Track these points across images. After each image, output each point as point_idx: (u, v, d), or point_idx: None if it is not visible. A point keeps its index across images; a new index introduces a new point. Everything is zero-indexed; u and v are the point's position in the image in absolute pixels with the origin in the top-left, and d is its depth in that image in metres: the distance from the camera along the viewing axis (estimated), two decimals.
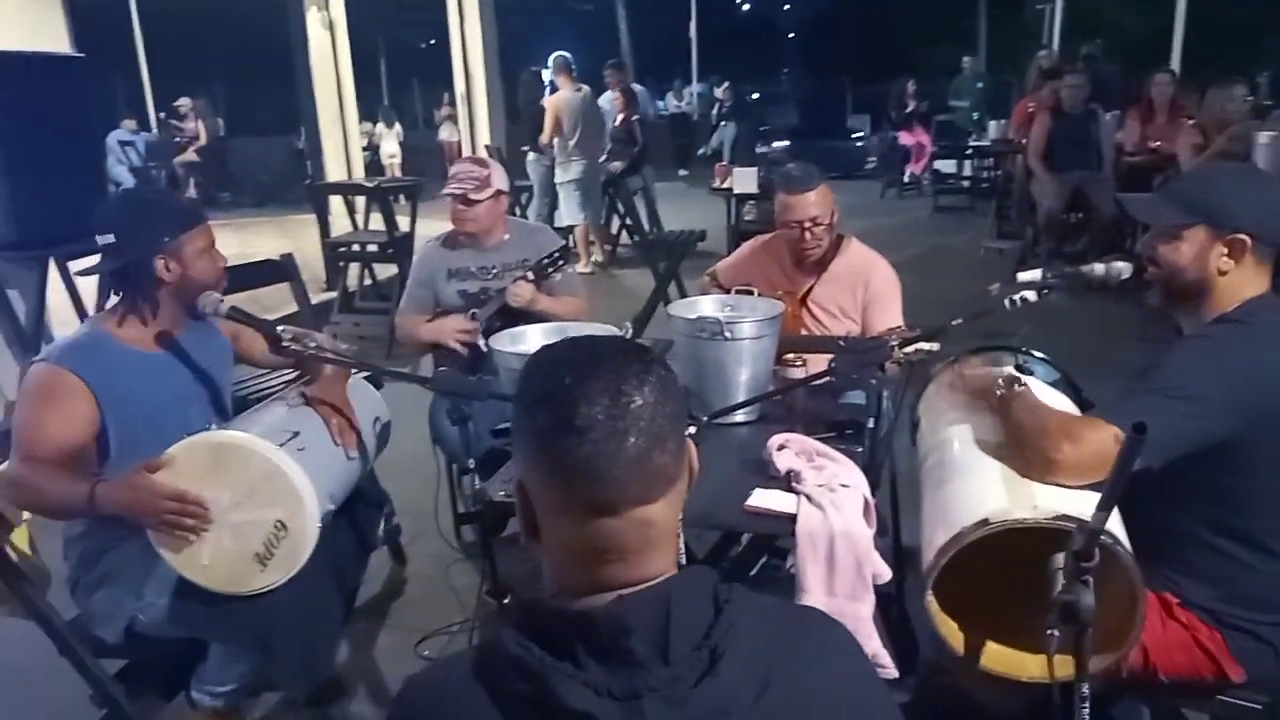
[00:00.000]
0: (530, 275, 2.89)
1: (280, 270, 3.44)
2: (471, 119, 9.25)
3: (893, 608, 1.99)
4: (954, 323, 1.87)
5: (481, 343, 2.91)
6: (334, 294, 5.99)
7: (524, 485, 0.90)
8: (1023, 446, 1.54)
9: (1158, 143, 6.38)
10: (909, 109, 11.65)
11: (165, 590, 1.85)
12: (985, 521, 1.41)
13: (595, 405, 0.83)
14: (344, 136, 8.88)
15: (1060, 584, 1.20)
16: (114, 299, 2.04)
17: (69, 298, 3.66)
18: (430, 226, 6.26)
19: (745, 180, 6.47)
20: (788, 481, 1.83)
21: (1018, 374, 1.74)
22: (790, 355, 2.31)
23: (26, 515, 2.06)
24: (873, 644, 1.72)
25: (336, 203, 6.84)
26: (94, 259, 2.06)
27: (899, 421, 2.15)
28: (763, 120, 15.14)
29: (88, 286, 2.16)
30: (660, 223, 8.37)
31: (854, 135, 14.56)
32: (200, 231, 1.99)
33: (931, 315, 2.09)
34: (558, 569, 0.90)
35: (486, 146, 8.66)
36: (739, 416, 2.20)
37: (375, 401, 2.33)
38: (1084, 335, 4.80)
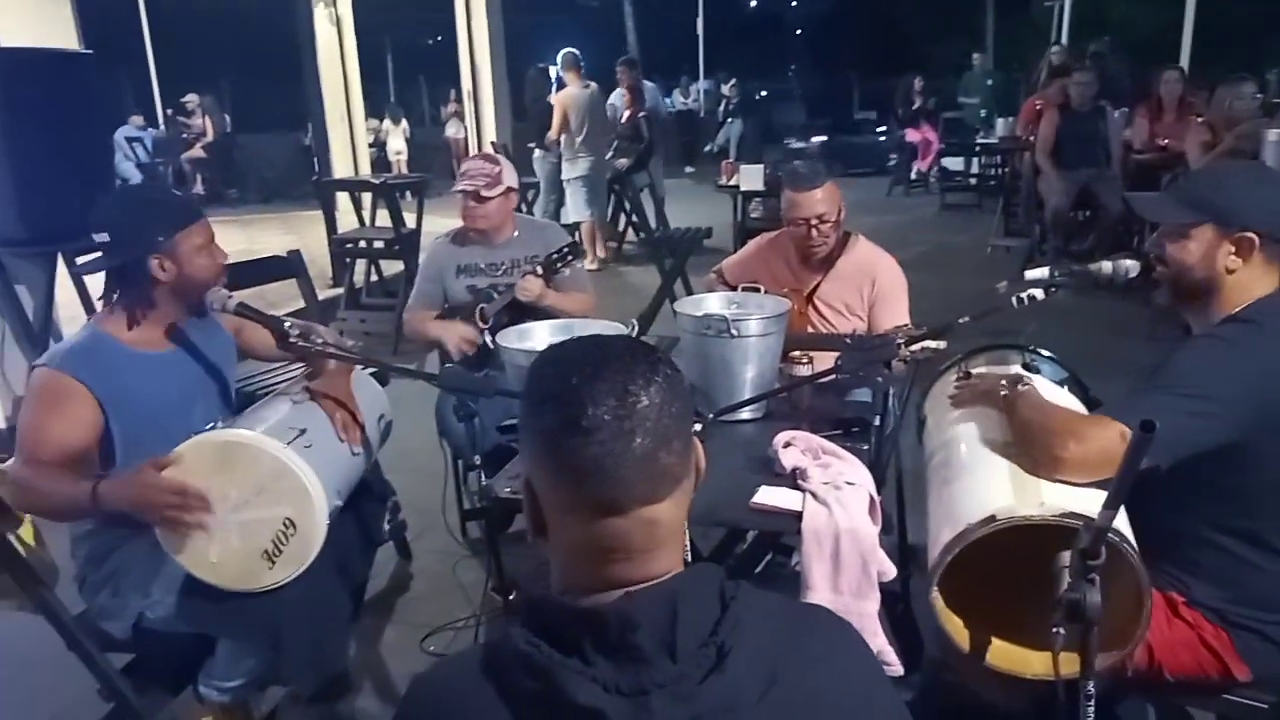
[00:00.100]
0: (539, 270, 2.90)
1: (287, 266, 3.45)
2: (478, 116, 9.25)
3: (898, 605, 1.99)
4: (960, 321, 1.87)
5: (489, 339, 2.92)
6: (340, 290, 6.01)
7: (531, 483, 0.90)
8: (1029, 444, 1.54)
9: (1166, 140, 6.35)
10: (916, 106, 11.62)
11: (173, 588, 1.85)
12: (992, 518, 1.41)
13: (602, 406, 0.83)
14: (351, 133, 8.89)
15: (1066, 582, 1.20)
16: (114, 297, 2.02)
17: (77, 294, 3.67)
18: (436, 223, 6.27)
19: (752, 177, 6.47)
20: (793, 479, 1.83)
21: (1024, 373, 1.74)
22: (796, 353, 2.31)
23: None
24: (878, 641, 1.72)
25: (343, 199, 6.85)
26: (95, 256, 2.05)
27: (905, 419, 2.15)
28: (770, 117, 15.12)
29: (95, 282, 2.14)
30: (666, 220, 8.37)
31: (878, 131, 14.50)
32: (197, 228, 1.97)
33: (938, 313, 2.08)
34: (565, 567, 0.90)
35: (493, 143, 8.67)
36: (745, 414, 2.20)
37: (379, 397, 2.33)
38: (1091, 334, 4.79)
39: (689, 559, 0.93)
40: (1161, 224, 1.71)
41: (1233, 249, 1.59)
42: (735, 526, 2.32)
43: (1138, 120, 6.69)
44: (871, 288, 2.69)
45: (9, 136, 3.43)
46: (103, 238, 1.94)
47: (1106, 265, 1.79)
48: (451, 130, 14.17)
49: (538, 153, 7.56)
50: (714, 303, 2.48)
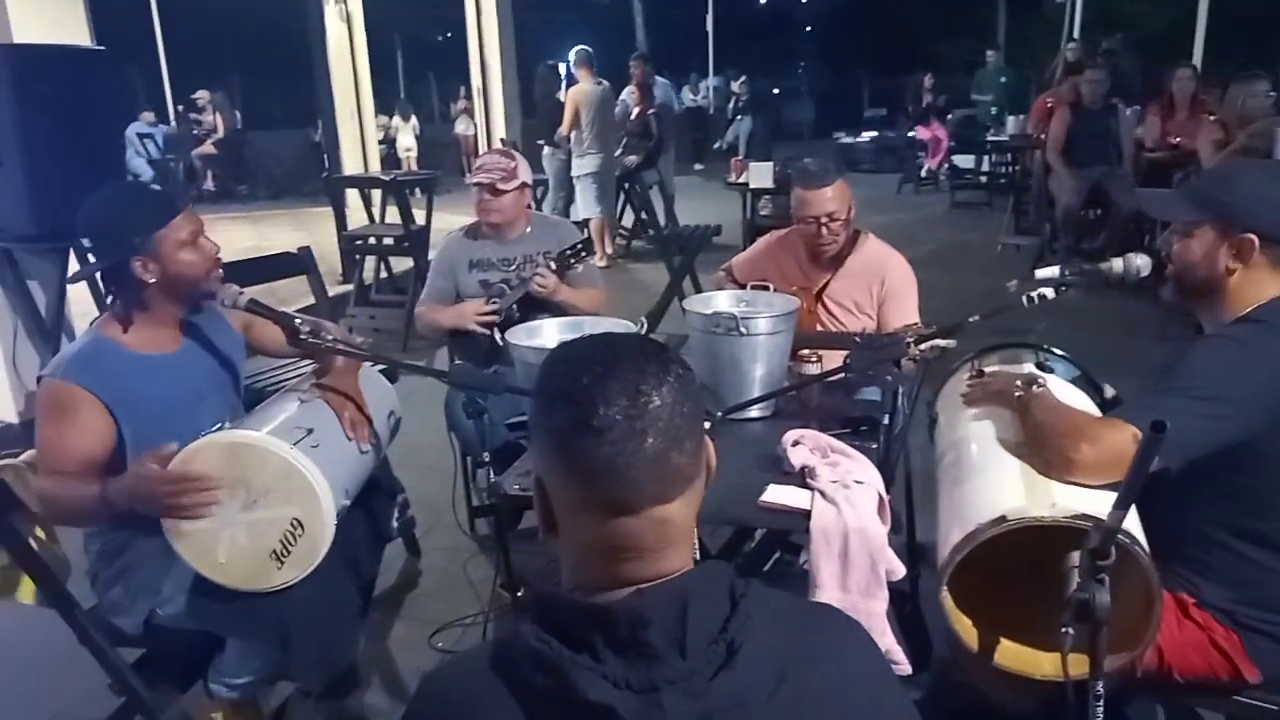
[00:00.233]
0: (553, 265, 2.91)
1: (297, 263, 3.46)
2: (488, 113, 9.26)
3: (907, 604, 1.99)
4: (971, 319, 1.86)
5: (498, 336, 2.93)
6: (350, 287, 6.02)
7: (542, 481, 0.90)
8: (1042, 446, 1.54)
9: (1178, 139, 6.32)
10: (926, 103, 11.58)
11: (183, 586, 1.86)
12: (1003, 519, 1.41)
13: (613, 406, 0.83)
14: (360, 130, 8.91)
15: (1076, 582, 1.20)
16: (112, 300, 2.01)
17: (89, 289, 3.70)
18: (446, 220, 6.28)
19: (761, 175, 6.46)
20: (802, 477, 1.83)
21: (1038, 373, 1.74)
22: (805, 351, 2.31)
23: None
24: (886, 640, 1.71)
25: (353, 196, 6.87)
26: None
27: (914, 418, 2.15)
28: (779, 115, 15.11)
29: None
30: (675, 217, 8.37)
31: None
32: (178, 224, 1.91)
33: (948, 311, 2.08)
34: (576, 564, 0.90)
35: (502, 140, 8.67)
36: (753, 412, 2.20)
37: (388, 394, 2.33)
38: (1102, 333, 4.77)
39: (697, 557, 0.93)
40: (1169, 222, 1.71)
41: (1233, 250, 1.59)
42: (743, 525, 2.31)
43: (1150, 118, 6.65)
44: (881, 286, 2.68)
45: (22, 133, 3.46)
46: (87, 242, 1.92)
47: (1118, 264, 1.78)
48: (461, 127, 14.18)
49: (546, 150, 7.56)
50: (723, 301, 2.48)
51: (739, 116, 14.69)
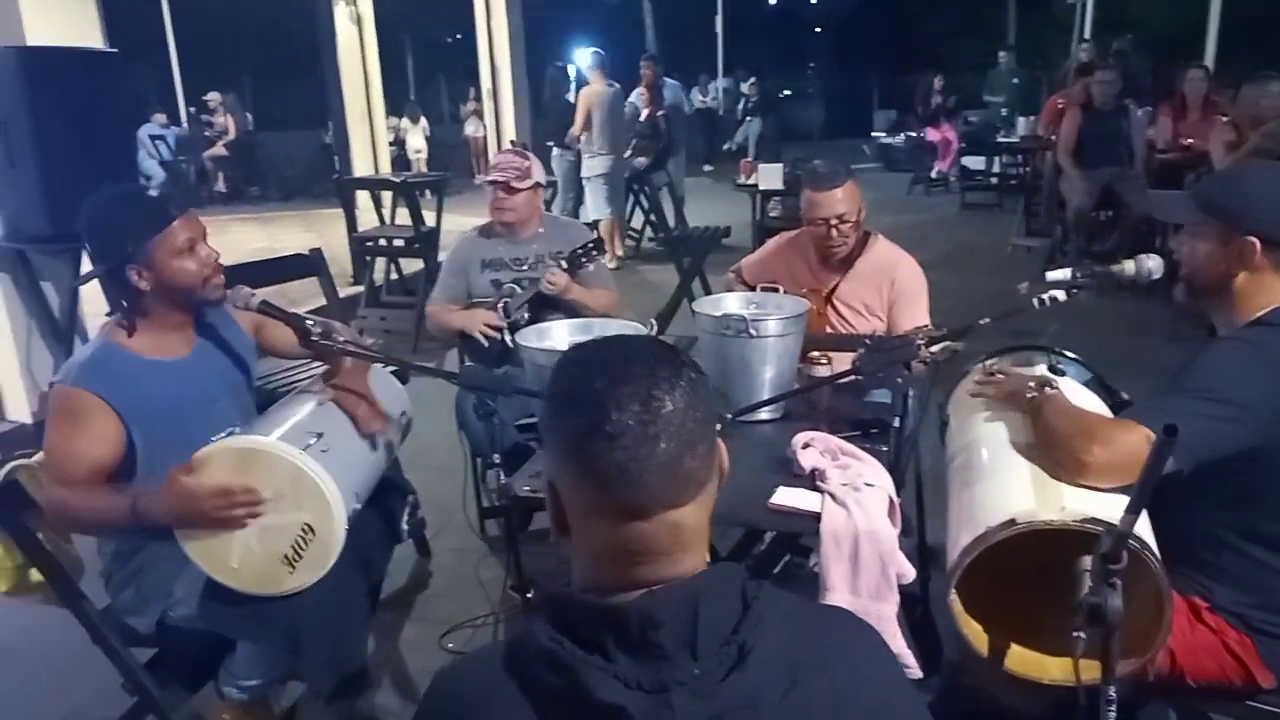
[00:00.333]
0: (564, 265, 2.92)
1: (309, 264, 3.47)
2: (497, 114, 9.28)
3: (917, 607, 1.98)
4: (981, 321, 1.86)
5: (508, 338, 2.94)
6: (360, 288, 6.04)
7: (554, 484, 0.90)
8: (1053, 448, 1.53)
9: (1190, 140, 6.28)
10: (936, 105, 11.54)
11: (195, 589, 1.86)
12: (1012, 522, 1.41)
13: (626, 411, 0.83)
14: (371, 131, 8.94)
15: (1087, 586, 1.19)
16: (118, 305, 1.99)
17: (101, 289, 3.72)
18: (456, 221, 6.29)
19: (770, 176, 6.46)
20: (812, 480, 1.82)
21: (1050, 375, 1.73)
22: (815, 353, 2.30)
23: None
24: (896, 644, 1.71)
25: (363, 197, 6.89)
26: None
27: (924, 421, 2.14)
28: (789, 116, 15.10)
29: None
30: (685, 219, 8.37)
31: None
32: (172, 232, 1.87)
33: (958, 313, 2.07)
34: (588, 567, 0.90)
35: (512, 141, 8.69)
36: (763, 414, 2.20)
37: (398, 395, 2.34)
38: (1113, 335, 4.76)
39: (707, 559, 0.93)
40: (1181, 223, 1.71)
41: (1236, 253, 1.58)
42: (753, 527, 2.31)
43: (1161, 119, 6.61)
44: (891, 288, 2.68)
45: (35, 134, 3.48)
46: (86, 248, 1.92)
47: (1129, 265, 1.78)
48: (471, 128, 14.22)
49: (556, 151, 7.58)
50: (733, 302, 2.47)
51: (748, 118, 14.66)
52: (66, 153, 3.53)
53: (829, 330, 2.68)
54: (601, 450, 0.83)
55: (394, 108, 12.57)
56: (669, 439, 0.84)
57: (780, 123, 14.35)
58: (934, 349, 1.90)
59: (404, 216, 6.24)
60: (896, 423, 2.01)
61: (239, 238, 8.78)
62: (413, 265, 6.21)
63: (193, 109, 13.56)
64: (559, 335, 2.38)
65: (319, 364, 2.24)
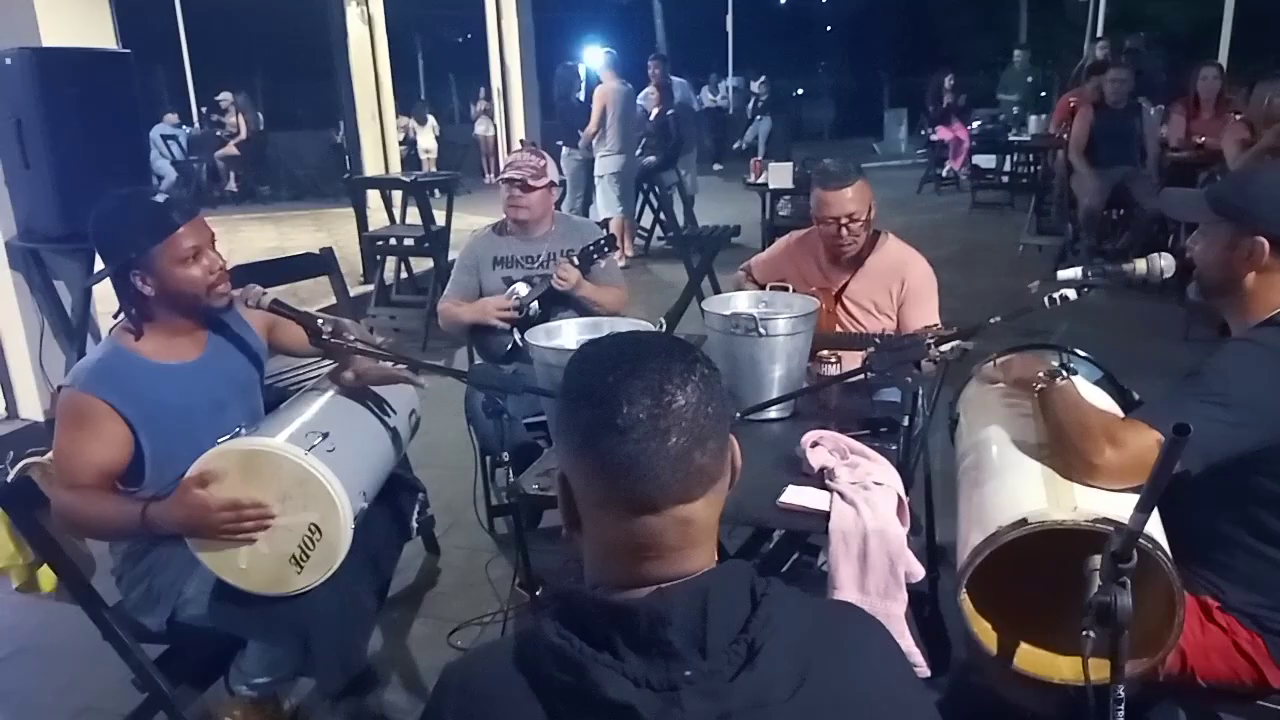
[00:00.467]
0: (576, 260, 2.93)
1: (320, 263, 3.49)
2: (507, 113, 9.29)
3: (925, 606, 1.98)
4: (992, 321, 1.85)
5: (517, 336, 2.95)
6: (371, 287, 6.05)
7: (566, 479, 0.91)
8: (1064, 448, 1.53)
9: (1203, 138, 6.24)
10: (947, 103, 11.49)
11: (205, 588, 1.87)
12: (1023, 521, 1.40)
13: (638, 404, 0.83)
14: (381, 131, 8.96)
15: (1097, 585, 1.19)
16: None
17: (114, 289, 3.75)
18: (466, 221, 6.31)
19: (780, 175, 6.45)
20: (821, 479, 1.82)
21: (1061, 369, 1.73)
22: (825, 352, 2.30)
23: None
24: (905, 642, 1.70)
25: (374, 197, 6.91)
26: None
27: (934, 419, 2.14)
28: (800, 115, 15.06)
29: None
30: (695, 218, 8.37)
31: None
32: (179, 238, 1.86)
33: (969, 313, 2.07)
34: (598, 562, 0.90)
35: (521, 141, 8.71)
36: (772, 413, 2.20)
37: (408, 393, 2.34)
38: (1125, 334, 4.73)
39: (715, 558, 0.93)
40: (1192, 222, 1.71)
41: (1245, 253, 1.57)
42: (762, 525, 2.31)
43: (1174, 117, 6.58)
44: (901, 287, 2.67)
45: (49, 134, 3.51)
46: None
47: (1141, 264, 1.77)
48: (481, 128, 14.24)
49: (565, 150, 7.59)
50: (742, 301, 2.47)
51: (758, 116, 14.66)
52: (80, 153, 3.55)
53: (838, 329, 2.67)
54: (613, 443, 0.83)
55: (405, 107, 12.61)
56: (680, 433, 0.84)
57: (790, 121, 14.32)
58: (944, 348, 1.90)
59: (414, 216, 6.26)
60: (906, 422, 2.01)
61: (250, 237, 8.82)
62: (423, 264, 6.22)
63: (204, 109, 13.62)
64: (568, 334, 2.38)
65: (329, 362, 2.24)
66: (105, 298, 3.84)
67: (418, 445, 2.41)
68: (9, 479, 1.98)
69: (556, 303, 2.99)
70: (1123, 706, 1.21)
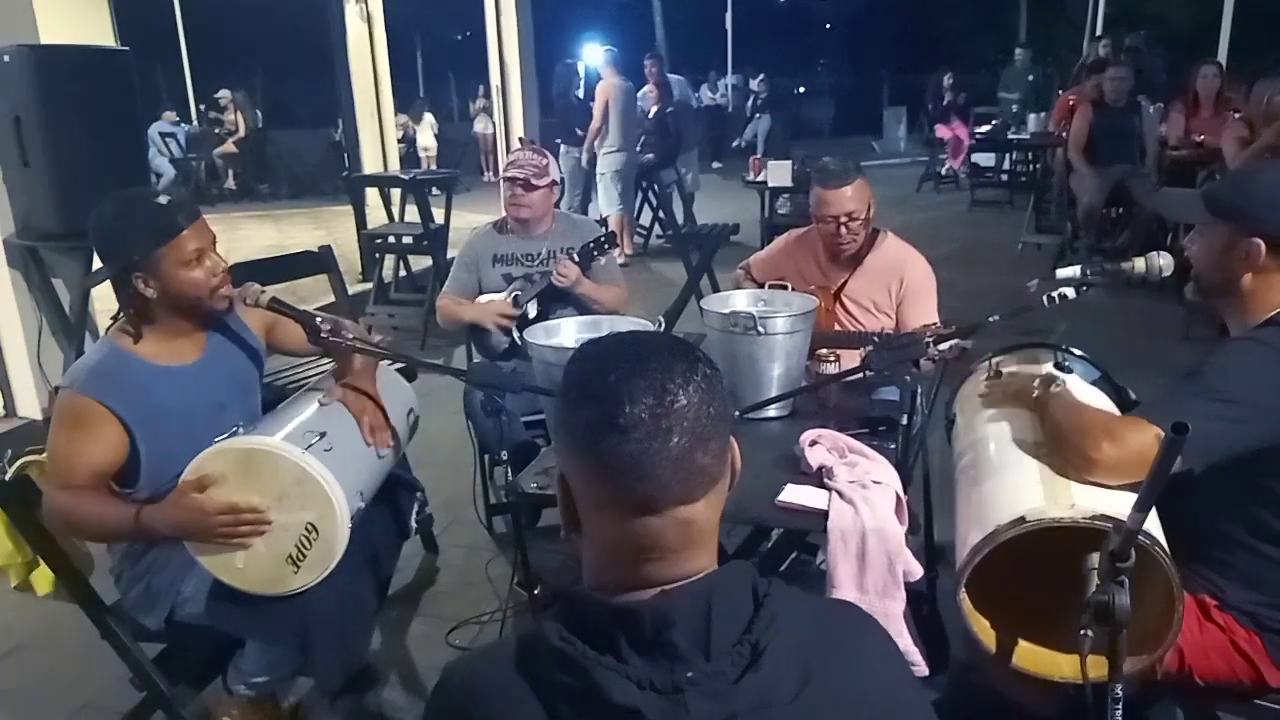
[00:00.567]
0: (576, 257, 2.93)
1: (319, 261, 3.49)
2: (506, 111, 9.28)
3: (924, 605, 1.98)
4: (991, 319, 1.85)
5: (516, 335, 2.95)
6: (370, 285, 6.05)
7: (566, 479, 0.90)
8: (1062, 445, 1.53)
9: (1202, 137, 6.24)
10: (946, 101, 11.48)
11: (203, 587, 1.87)
12: (1022, 520, 1.40)
13: (639, 404, 0.83)
14: (380, 129, 8.95)
15: (1095, 584, 1.19)
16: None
17: (114, 290, 3.75)
18: (465, 219, 6.31)
19: (779, 173, 6.44)
20: (819, 477, 1.82)
21: (1057, 373, 1.72)
22: (823, 350, 2.30)
23: None
24: (904, 641, 1.71)
25: (372, 194, 6.91)
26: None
27: (932, 418, 2.14)
28: (799, 113, 15.05)
29: None
30: (694, 216, 8.37)
31: None
32: (182, 241, 1.85)
33: (967, 311, 2.07)
34: (598, 564, 0.90)
35: (521, 139, 8.70)
36: (771, 412, 2.20)
37: (406, 392, 2.34)
38: (1124, 333, 4.73)
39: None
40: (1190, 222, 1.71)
41: (1243, 254, 1.57)
42: (761, 524, 2.31)
43: (1173, 116, 6.57)
44: (900, 285, 2.67)
45: (48, 132, 3.51)
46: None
47: (1140, 263, 1.77)
48: (480, 126, 14.23)
49: (563, 148, 7.59)
50: (741, 300, 2.47)
51: (757, 114, 14.64)
52: (78, 150, 3.55)
53: (837, 328, 2.67)
54: (614, 443, 0.83)
55: (404, 105, 12.60)
56: (682, 433, 0.84)
57: (789, 120, 14.31)
58: (943, 347, 1.90)
59: (413, 214, 6.26)
60: (904, 420, 2.01)
61: (249, 235, 8.81)
62: (422, 262, 6.22)
63: (203, 106, 13.61)
64: (567, 332, 2.38)
65: (327, 360, 2.24)
66: (103, 296, 3.84)
67: (416, 444, 2.41)
68: (7, 477, 1.98)
69: (556, 300, 2.99)
70: (1121, 705, 1.21)
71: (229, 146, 12.56)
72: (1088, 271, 1.79)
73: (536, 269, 3.05)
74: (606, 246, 3.01)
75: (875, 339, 2.42)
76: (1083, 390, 1.73)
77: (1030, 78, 11.62)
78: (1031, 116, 9.13)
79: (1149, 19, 13.43)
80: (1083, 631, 1.19)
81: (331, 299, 3.57)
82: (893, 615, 1.71)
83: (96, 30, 4.04)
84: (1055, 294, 1.78)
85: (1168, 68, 8.57)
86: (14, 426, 3.92)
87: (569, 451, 0.88)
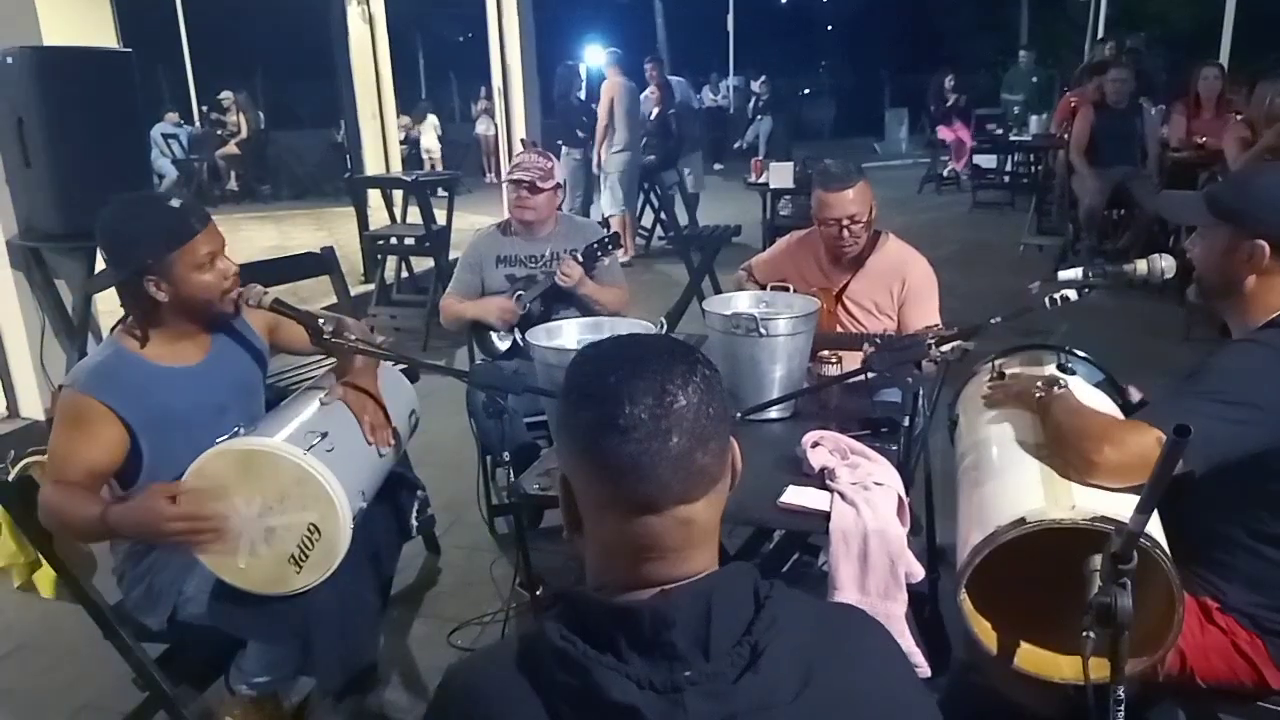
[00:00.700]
0: (580, 257, 2.94)
1: (321, 263, 3.49)
2: (508, 112, 9.29)
3: (925, 607, 1.98)
4: (993, 321, 1.85)
5: (518, 336, 2.95)
6: (372, 286, 6.06)
7: (567, 480, 0.91)
8: (1063, 448, 1.53)
9: (1204, 138, 6.24)
10: (948, 103, 11.48)
11: (205, 587, 1.87)
12: (1022, 521, 1.40)
13: (639, 404, 0.84)
14: (382, 130, 8.96)
15: (1097, 585, 1.19)
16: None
17: (116, 292, 3.75)
18: (467, 220, 6.31)
19: (781, 175, 6.45)
20: (821, 479, 1.82)
21: (1059, 375, 1.73)
22: (825, 352, 2.30)
23: None
24: (905, 642, 1.71)
25: (374, 196, 6.91)
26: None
27: (934, 420, 2.14)
28: (800, 114, 15.04)
29: None
30: (696, 217, 8.37)
31: None
32: (195, 244, 1.86)
33: (969, 313, 2.07)
34: (599, 563, 0.91)
35: (522, 140, 8.71)
36: (773, 413, 2.20)
37: (408, 392, 2.35)
38: (1126, 334, 4.73)
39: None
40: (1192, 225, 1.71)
41: (1246, 256, 1.57)
42: (763, 526, 2.31)
43: (1175, 117, 6.57)
44: (902, 287, 2.67)
45: (50, 133, 3.51)
46: (102, 254, 1.90)
47: (1141, 265, 1.77)
48: (482, 127, 14.24)
49: (565, 150, 7.60)
50: (743, 301, 2.47)
51: (759, 116, 14.64)
52: (81, 152, 3.56)
53: (839, 329, 2.68)
54: (614, 443, 0.84)
55: (406, 106, 12.60)
56: (682, 433, 0.84)
57: (791, 121, 14.31)
58: (944, 348, 1.90)
59: (415, 215, 6.26)
60: (906, 422, 2.01)
61: (251, 236, 8.82)
62: (423, 263, 6.22)
63: (205, 108, 13.61)
64: (569, 334, 2.39)
65: (330, 361, 2.24)
66: (106, 296, 3.85)
67: (419, 444, 2.41)
68: (10, 478, 1.99)
69: (559, 301, 3.00)
70: (1122, 706, 1.21)
71: (231, 148, 12.57)
72: (1089, 273, 1.79)
73: (540, 270, 3.06)
74: (610, 247, 3.02)
75: (877, 340, 2.42)
76: (1085, 392, 1.73)
77: (1034, 79, 11.61)
78: (1033, 118, 9.13)
79: (1151, 20, 13.44)
80: (1085, 633, 1.19)
81: (333, 300, 3.57)
82: (894, 616, 1.71)
83: (99, 31, 4.05)
84: (1057, 296, 1.79)
85: (1169, 69, 8.57)
86: (16, 427, 3.93)
87: (570, 452, 0.89)
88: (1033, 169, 9.35)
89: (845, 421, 2.12)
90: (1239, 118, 5.72)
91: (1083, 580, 1.21)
